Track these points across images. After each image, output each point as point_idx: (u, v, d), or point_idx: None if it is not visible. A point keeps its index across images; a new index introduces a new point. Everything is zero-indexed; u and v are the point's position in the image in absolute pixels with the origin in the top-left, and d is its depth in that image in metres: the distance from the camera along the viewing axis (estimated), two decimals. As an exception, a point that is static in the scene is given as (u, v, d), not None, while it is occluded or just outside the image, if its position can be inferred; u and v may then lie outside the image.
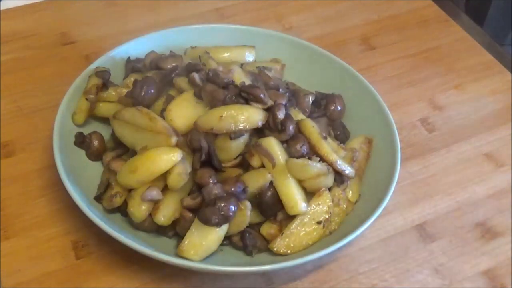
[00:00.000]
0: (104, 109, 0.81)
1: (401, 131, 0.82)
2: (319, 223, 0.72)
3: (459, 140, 0.92)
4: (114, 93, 0.81)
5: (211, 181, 0.70)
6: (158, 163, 0.69)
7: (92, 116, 0.82)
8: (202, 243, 0.69)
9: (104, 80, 0.81)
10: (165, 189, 0.71)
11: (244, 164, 0.74)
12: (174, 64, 0.82)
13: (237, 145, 0.73)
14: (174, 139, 0.70)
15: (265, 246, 0.72)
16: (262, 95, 0.73)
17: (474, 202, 0.84)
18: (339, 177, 0.75)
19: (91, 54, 0.97)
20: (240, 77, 0.79)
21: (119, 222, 0.73)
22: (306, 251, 0.71)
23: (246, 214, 0.70)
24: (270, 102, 0.74)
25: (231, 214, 0.68)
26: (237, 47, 0.90)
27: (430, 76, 1.01)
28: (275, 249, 0.71)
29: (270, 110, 0.73)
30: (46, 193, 0.79)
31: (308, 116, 0.80)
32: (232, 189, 0.69)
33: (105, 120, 0.81)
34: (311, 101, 0.83)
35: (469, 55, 1.06)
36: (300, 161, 0.72)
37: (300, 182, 0.72)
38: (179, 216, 0.71)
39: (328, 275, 0.74)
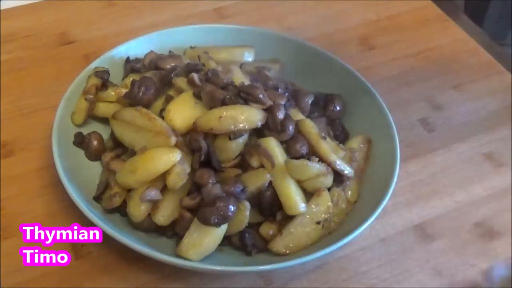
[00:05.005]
0: (103, 109, 0.81)
1: (400, 131, 0.82)
2: (318, 223, 0.72)
3: (458, 140, 0.91)
4: (113, 93, 0.81)
5: (210, 181, 0.70)
6: (157, 163, 0.69)
7: (91, 116, 0.82)
8: (201, 243, 0.69)
9: (103, 80, 0.81)
10: (164, 189, 0.71)
11: (243, 164, 0.74)
12: (173, 64, 0.82)
13: (237, 145, 0.73)
14: (173, 139, 0.70)
15: (264, 246, 0.72)
16: (261, 96, 0.73)
17: (474, 202, 0.84)
18: (339, 177, 0.75)
19: (91, 54, 0.96)
20: (239, 77, 0.79)
21: (118, 222, 0.73)
22: (305, 251, 0.71)
23: (245, 214, 0.70)
24: (269, 102, 0.74)
25: (230, 214, 0.68)
26: (236, 47, 0.90)
27: (429, 76, 1.01)
28: (274, 249, 0.71)
29: (269, 110, 0.73)
30: (46, 192, 0.79)
31: (308, 116, 0.80)
32: (231, 189, 0.69)
33: (104, 120, 0.81)
34: (310, 101, 0.83)
35: (469, 55, 1.06)
36: (299, 161, 0.72)
37: (299, 182, 0.72)
38: (178, 216, 0.71)
39: (327, 275, 0.74)
